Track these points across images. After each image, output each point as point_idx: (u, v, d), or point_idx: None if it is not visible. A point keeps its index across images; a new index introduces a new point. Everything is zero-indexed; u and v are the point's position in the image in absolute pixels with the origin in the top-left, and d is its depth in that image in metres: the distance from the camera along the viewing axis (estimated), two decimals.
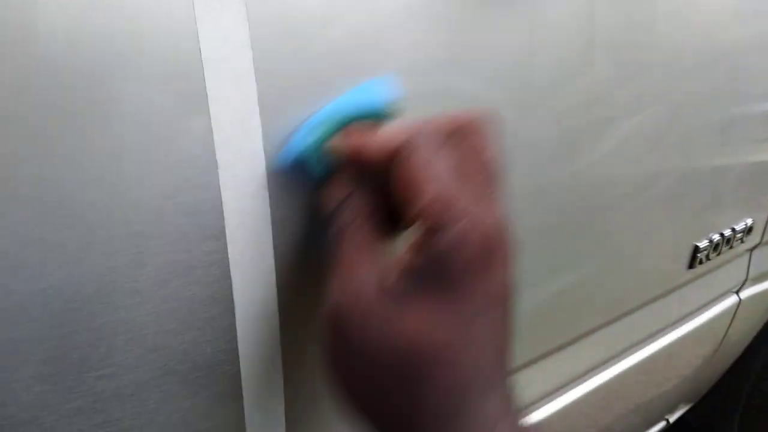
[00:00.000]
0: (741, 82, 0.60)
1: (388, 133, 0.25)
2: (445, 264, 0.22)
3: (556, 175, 0.44)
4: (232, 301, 0.29)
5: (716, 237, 0.66)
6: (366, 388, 0.24)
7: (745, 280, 0.82)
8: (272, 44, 0.27)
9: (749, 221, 0.71)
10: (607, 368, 0.65)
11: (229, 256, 0.28)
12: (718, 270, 0.72)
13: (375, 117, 0.28)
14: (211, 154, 0.26)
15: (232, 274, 0.28)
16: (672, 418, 0.98)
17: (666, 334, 0.72)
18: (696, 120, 0.55)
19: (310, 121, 0.28)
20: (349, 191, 0.26)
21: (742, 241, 0.72)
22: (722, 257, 0.69)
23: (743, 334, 0.94)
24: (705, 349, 0.86)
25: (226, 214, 0.27)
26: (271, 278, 0.30)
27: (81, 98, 0.23)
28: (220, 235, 0.27)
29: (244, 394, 0.31)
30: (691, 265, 0.65)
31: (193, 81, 0.25)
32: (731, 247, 0.70)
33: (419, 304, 0.23)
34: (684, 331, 0.74)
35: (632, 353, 0.68)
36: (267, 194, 0.28)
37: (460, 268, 0.22)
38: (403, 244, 0.25)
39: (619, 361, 0.66)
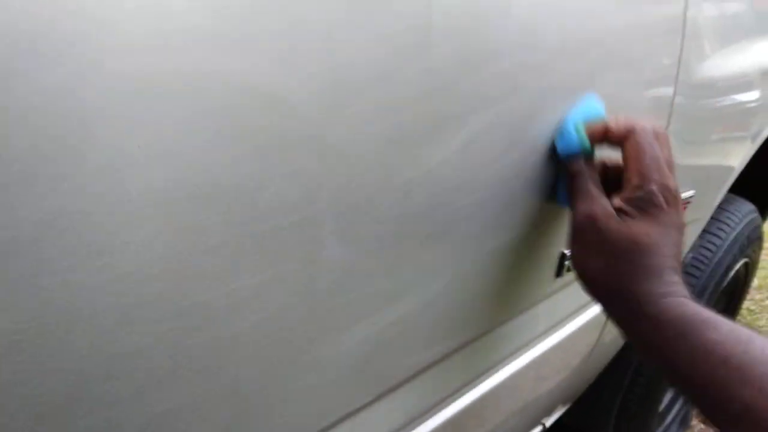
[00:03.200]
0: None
1: (624, 121, 0.45)
2: (650, 201, 0.43)
3: (384, 183, 0.37)
4: None
5: None
6: (601, 263, 0.44)
7: None
8: None
9: None
10: (473, 387, 0.60)
11: None
12: None
13: (596, 118, 0.48)
14: None
15: None
16: (548, 422, 0.96)
17: (537, 344, 0.68)
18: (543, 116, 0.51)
19: (569, 118, 0.48)
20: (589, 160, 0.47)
21: None
22: None
23: (616, 336, 0.93)
24: (578, 354, 0.84)
25: None
26: None
27: None
28: None
29: None
30: (558, 273, 0.61)
31: None
32: None
33: (636, 219, 0.43)
34: (555, 339, 0.71)
35: (501, 368, 0.64)
36: None
37: (659, 204, 0.43)
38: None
39: (485, 379, 0.61)
